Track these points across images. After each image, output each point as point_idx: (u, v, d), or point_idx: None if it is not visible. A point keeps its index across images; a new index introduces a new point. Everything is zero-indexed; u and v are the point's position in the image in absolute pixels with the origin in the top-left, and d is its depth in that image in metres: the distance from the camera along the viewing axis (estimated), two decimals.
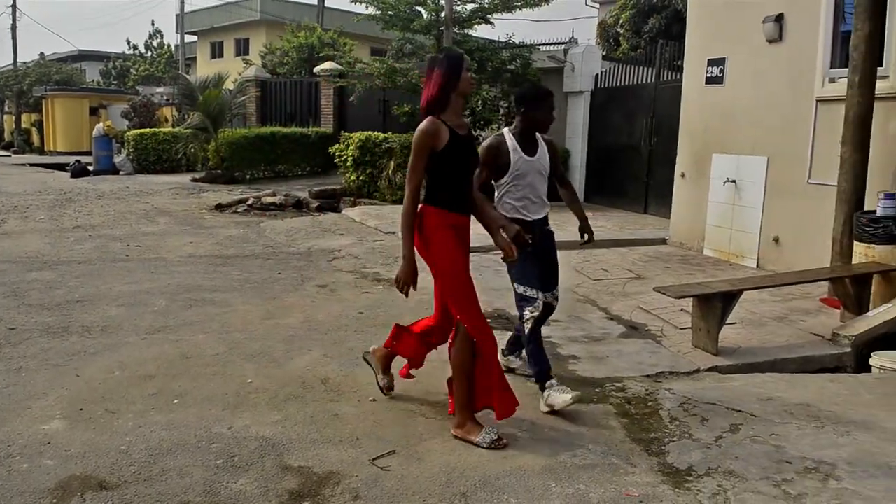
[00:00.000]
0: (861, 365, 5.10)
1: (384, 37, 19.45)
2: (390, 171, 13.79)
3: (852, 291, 5.79)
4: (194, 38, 38.78)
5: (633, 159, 12.86)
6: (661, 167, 11.81)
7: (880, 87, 6.32)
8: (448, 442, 3.64)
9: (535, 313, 4.11)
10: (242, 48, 35.41)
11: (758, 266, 8.08)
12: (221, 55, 36.79)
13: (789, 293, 6.69)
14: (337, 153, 14.64)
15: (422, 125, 3.67)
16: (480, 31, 15.52)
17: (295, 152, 17.72)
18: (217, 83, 17.53)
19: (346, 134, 14.70)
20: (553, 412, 3.97)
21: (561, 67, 14.52)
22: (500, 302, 6.37)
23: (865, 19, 6.09)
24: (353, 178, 14.19)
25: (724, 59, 8.70)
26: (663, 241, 9.74)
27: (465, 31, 14.85)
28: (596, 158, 14.16)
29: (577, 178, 14.50)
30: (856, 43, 6.16)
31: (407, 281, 3.70)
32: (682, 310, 5.93)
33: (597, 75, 14.16)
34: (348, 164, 14.18)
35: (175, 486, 3.17)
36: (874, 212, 6.03)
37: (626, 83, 13.28)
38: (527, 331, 4.13)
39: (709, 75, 8.94)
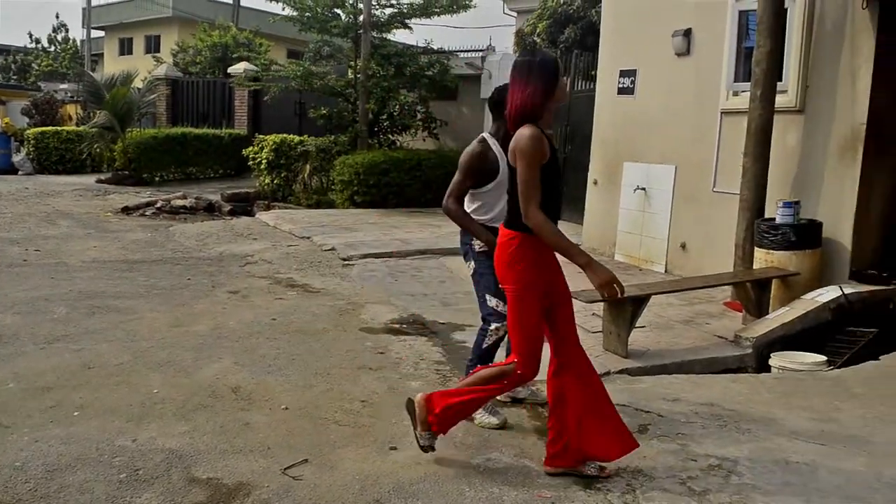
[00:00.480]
0: (761, 365, 5.32)
1: (302, 38, 19.25)
2: (306, 175, 13.64)
3: (753, 295, 6.04)
4: (102, 33, 37.40)
5: None
6: (575, 174, 12.05)
7: (780, 101, 6.63)
8: (362, 449, 3.61)
9: (501, 333, 3.96)
10: (153, 45, 34.34)
11: (666, 271, 8.34)
12: (131, 52, 35.58)
13: (695, 297, 6.92)
14: (251, 155, 14.37)
15: (530, 131, 3.25)
16: (399, 36, 15.51)
17: (207, 154, 17.31)
18: (125, 81, 16.96)
19: (261, 136, 14.47)
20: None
21: (478, 74, 14.68)
22: (415, 307, 6.36)
23: (767, 37, 6.38)
24: (267, 181, 13.96)
25: (635, 70, 8.95)
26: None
27: (384, 35, 14.84)
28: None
29: None
30: (758, 59, 6.44)
31: (612, 280, 3.29)
32: (593, 314, 6.05)
33: None
34: (262, 166, 13.95)
35: (75, 502, 3.03)
36: (774, 219, 6.33)
37: None
38: (485, 345, 3.99)
39: (620, 86, 9.19)
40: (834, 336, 5.62)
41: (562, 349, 3.46)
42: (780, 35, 6.50)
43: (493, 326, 3.97)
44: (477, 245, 4.01)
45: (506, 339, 4.02)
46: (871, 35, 6.16)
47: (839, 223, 6.37)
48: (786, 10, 6.55)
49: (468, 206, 4.05)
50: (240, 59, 19.05)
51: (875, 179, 6.31)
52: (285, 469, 3.37)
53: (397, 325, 5.88)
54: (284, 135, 14.08)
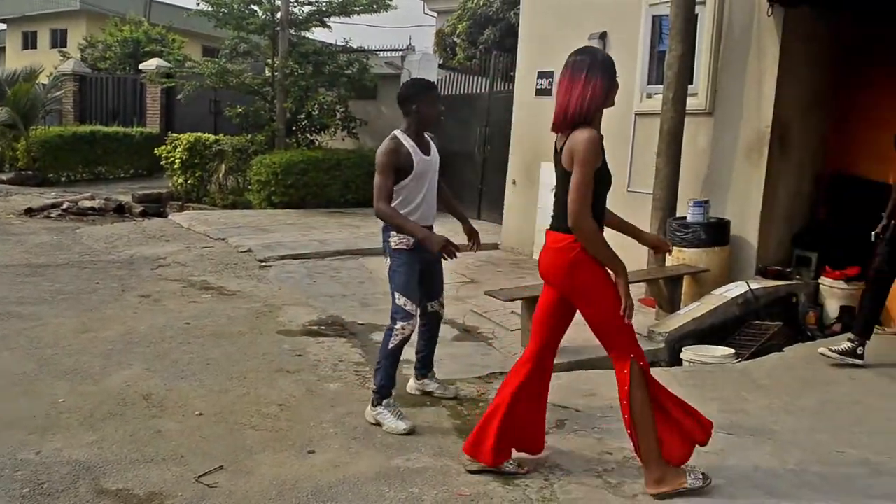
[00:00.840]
0: (674, 359, 5.48)
1: (217, 35, 18.78)
2: (221, 175, 13.34)
3: (666, 291, 6.22)
4: (3, 26, 35.61)
5: (468, 166, 13.16)
6: (495, 174, 12.16)
7: (691, 103, 6.84)
8: (279, 454, 3.54)
9: (407, 332, 3.93)
10: (59, 40, 32.86)
11: None
12: (35, 46, 33.97)
13: None
14: (164, 155, 13.94)
15: (589, 134, 3.20)
16: (318, 34, 15.29)
17: (117, 153, 16.69)
18: (29, 76, 16.23)
19: (174, 135, 14.07)
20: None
21: (398, 74, 14.63)
22: (334, 308, 6.29)
23: (679, 41, 6.57)
24: (180, 181, 13.57)
25: (552, 71, 9.08)
26: (496, 246, 10.02)
27: (302, 32, 14.63)
28: None
29: None
30: (670, 62, 6.62)
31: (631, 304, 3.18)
32: (512, 312, 6.11)
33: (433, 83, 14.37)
34: (176, 166, 13.55)
35: None
36: (685, 218, 6.53)
37: (462, 92, 13.59)
38: (391, 345, 3.92)
39: (538, 87, 9.31)
40: (741, 329, 5.84)
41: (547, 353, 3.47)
42: (691, 40, 6.71)
43: (398, 325, 3.91)
44: (393, 241, 3.97)
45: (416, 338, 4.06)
46: (776, 41, 6.42)
47: (746, 221, 6.62)
48: (696, 15, 6.77)
49: (392, 204, 3.99)
50: (152, 56, 18.46)
51: (779, 180, 6.59)
52: (199, 477, 3.28)
53: (315, 327, 5.80)
54: (199, 133, 13.71)
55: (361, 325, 5.92)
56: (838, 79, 6.91)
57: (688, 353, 5.34)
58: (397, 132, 4.03)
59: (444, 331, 5.78)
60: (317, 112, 13.94)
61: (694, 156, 6.97)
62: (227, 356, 4.95)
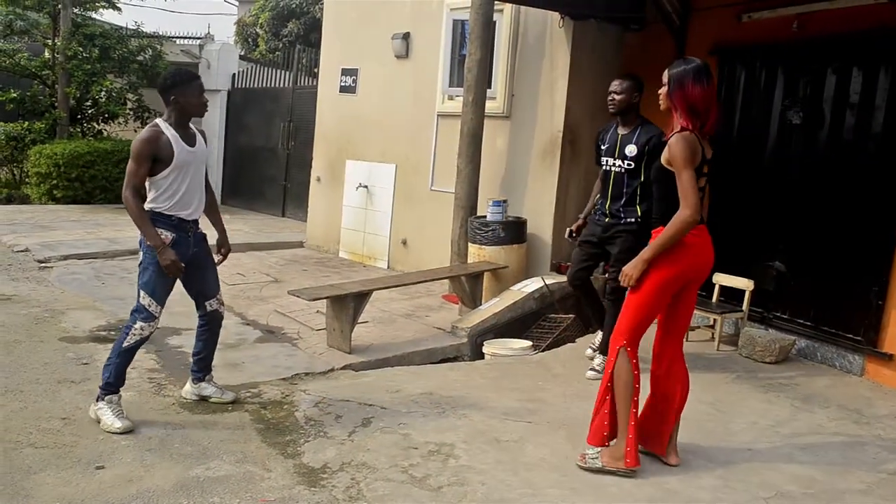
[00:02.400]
0: (477, 353, 5.68)
1: None
2: None
3: (468, 288, 6.43)
4: None
5: (272, 162, 12.86)
6: (299, 171, 11.97)
7: (490, 106, 7.12)
8: (63, 472, 3.24)
9: (146, 333, 3.80)
10: None
11: (389, 267, 8.59)
12: None
13: (416, 291, 7.21)
14: None
15: (685, 136, 3.37)
16: (107, 16, 14.22)
17: None
18: None
19: None
20: (122, 433, 3.67)
21: (196, 63, 13.98)
22: (125, 312, 5.85)
23: (478, 46, 6.81)
24: None
25: (357, 69, 9.09)
26: (301, 245, 9.88)
27: (88, 13, 13.55)
28: (233, 160, 13.88)
29: (214, 179, 14.05)
30: (470, 66, 6.85)
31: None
32: (318, 311, 6.04)
33: (234, 74, 13.89)
34: None
35: None
36: (485, 217, 6.78)
37: (265, 85, 13.23)
38: (126, 344, 3.77)
39: (342, 84, 9.28)
40: (538, 323, 6.16)
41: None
42: (490, 45, 6.98)
43: (137, 325, 3.79)
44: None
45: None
46: (567, 52, 6.84)
47: (541, 220, 7.00)
48: (495, 22, 7.05)
49: (151, 196, 3.82)
50: None
51: (570, 181, 7.02)
52: None
53: (104, 333, 5.40)
54: None
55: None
56: None
57: (489, 347, 5.55)
58: (158, 120, 3.86)
59: (247, 332, 5.63)
60: (104, 99, 12.96)
61: (493, 157, 7.27)
62: (0, 368, 4.47)
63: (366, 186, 8.90)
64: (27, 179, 12.28)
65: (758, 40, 6.13)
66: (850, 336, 5.49)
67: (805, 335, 5.79)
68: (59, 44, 12.48)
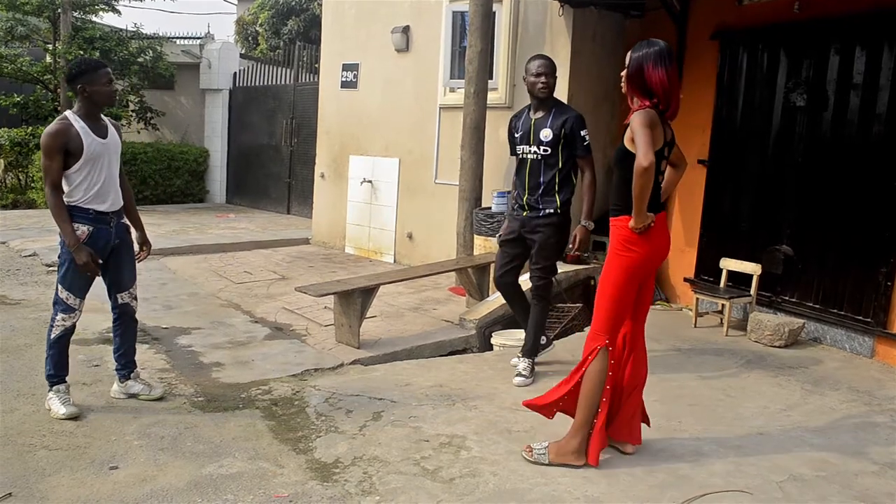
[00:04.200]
0: (485, 344, 5.68)
1: None
2: (0, 171, 12.10)
3: (475, 280, 6.42)
4: None
5: (275, 160, 12.87)
6: (303, 168, 12.00)
7: (492, 97, 7.10)
8: (78, 473, 3.26)
9: (68, 324, 3.87)
10: None
11: (395, 261, 8.59)
12: None
13: (423, 285, 7.21)
14: None
15: (645, 109, 3.28)
16: (107, 19, 14.25)
17: None
18: None
19: None
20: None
21: (197, 63, 13.99)
22: None
23: (478, 37, 6.79)
24: None
25: (357, 64, 9.08)
26: (307, 241, 9.89)
27: (88, 16, 13.55)
28: (237, 159, 13.91)
29: (218, 178, 14.12)
30: (471, 58, 6.83)
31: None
32: (325, 307, 6.05)
33: (235, 73, 13.90)
34: None
35: None
36: (490, 208, 6.77)
37: (266, 83, 13.24)
38: (52, 336, 3.87)
39: (344, 79, 9.27)
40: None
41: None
42: (490, 36, 6.96)
43: (58, 317, 3.87)
44: None
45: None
46: (568, 40, 6.82)
47: None
48: (494, 13, 7.03)
49: (66, 190, 3.79)
50: None
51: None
52: None
53: None
54: None
55: (165, 328, 5.60)
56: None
57: (497, 339, 5.55)
58: (68, 112, 3.84)
59: (256, 330, 5.64)
60: None
61: (497, 148, 7.26)
62: (11, 372, 4.48)
63: (370, 181, 8.90)
64: (32, 184, 12.31)
65: (759, 23, 6.11)
66: (860, 318, 5.48)
67: (814, 318, 5.78)
68: (59, 48, 12.49)
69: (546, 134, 4.59)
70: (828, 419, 4.20)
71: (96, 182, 3.81)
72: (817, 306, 5.78)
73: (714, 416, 4.15)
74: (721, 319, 6.03)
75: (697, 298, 6.13)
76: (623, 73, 3.44)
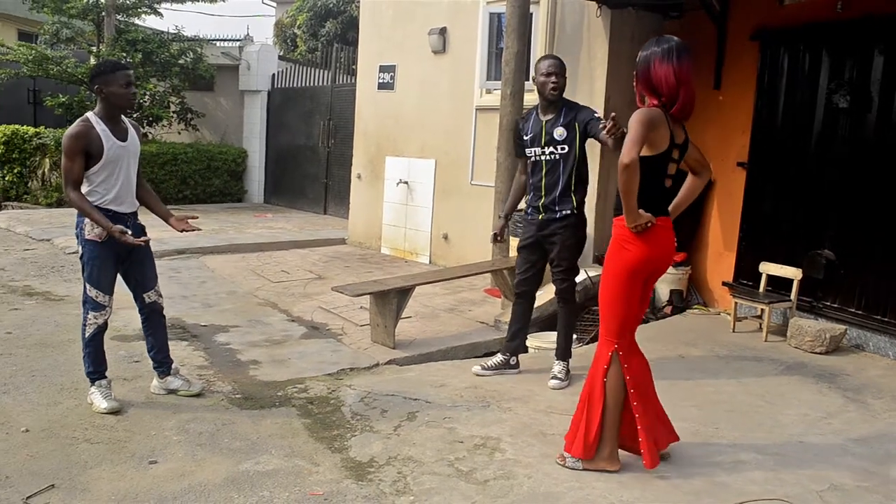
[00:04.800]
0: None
1: (35, 19, 17.34)
2: (46, 170, 12.38)
3: (510, 281, 6.39)
4: None
5: (312, 160, 12.99)
6: (340, 168, 12.08)
7: (528, 99, 7.06)
8: (118, 466, 3.33)
9: (100, 321, 3.94)
10: None
11: (430, 262, 8.62)
12: None
13: (458, 286, 7.22)
14: None
15: (648, 108, 3.24)
16: (149, 22, 14.51)
17: None
18: None
19: None
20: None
21: (236, 65, 14.18)
22: (174, 310, 5.99)
23: (515, 38, 6.78)
24: None
25: (394, 66, 9.12)
26: (343, 241, 9.96)
27: (131, 19, 13.82)
28: (275, 159, 14.06)
29: (256, 178, 14.29)
30: (507, 59, 6.82)
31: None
32: (361, 307, 6.09)
33: (274, 75, 14.06)
34: None
35: None
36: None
37: (304, 84, 13.36)
38: (86, 335, 3.94)
39: (381, 81, 9.32)
40: (581, 315, 6.13)
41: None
42: (527, 37, 6.95)
43: (89, 315, 3.94)
44: (86, 230, 3.87)
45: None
46: (605, 42, 6.78)
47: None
48: (531, 14, 7.01)
49: (84, 190, 3.84)
50: None
51: (611, 172, 6.95)
52: (27, 498, 3.02)
53: None
54: (16, 126, 12.62)
55: (204, 326, 5.69)
56: None
57: (533, 341, 5.53)
58: (90, 114, 3.88)
59: (292, 329, 5.70)
60: (148, 103, 13.21)
61: None
62: (55, 366, 4.60)
63: (406, 182, 8.93)
64: None
65: (800, 23, 6.01)
66: None
67: (856, 324, 5.66)
68: (103, 50, 12.75)
69: (560, 133, 4.51)
70: (870, 428, 4.11)
71: (115, 184, 3.87)
72: (860, 312, 5.66)
73: (752, 423, 4.09)
74: (760, 325, 5.94)
75: (736, 303, 6.05)
76: (635, 73, 3.37)
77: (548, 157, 4.56)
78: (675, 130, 3.30)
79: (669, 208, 3.48)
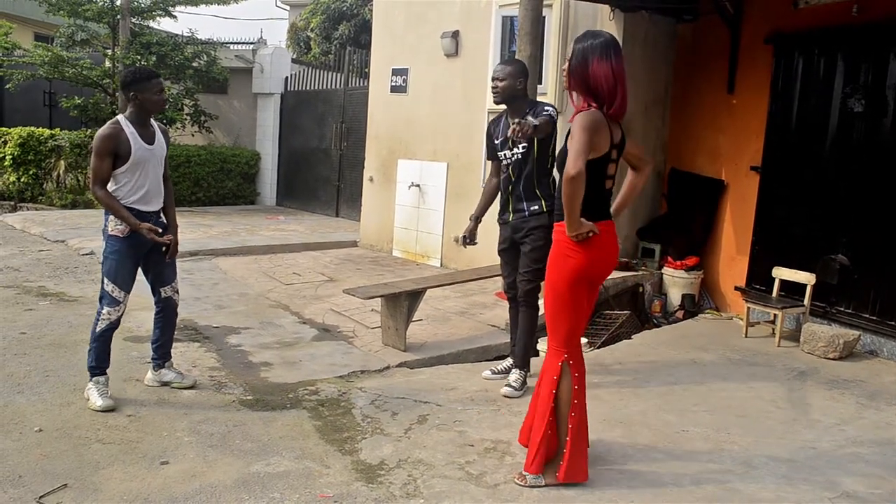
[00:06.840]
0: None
1: (51, 22, 17.49)
2: (61, 172, 12.48)
3: None
4: None
5: (325, 163, 13.02)
6: (352, 171, 12.11)
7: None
8: (130, 467, 3.35)
9: (113, 317, 4.03)
10: None
11: (442, 265, 8.62)
12: None
13: (469, 289, 7.22)
14: None
15: (590, 111, 3.13)
16: (164, 25, 14.64)
17: None
18: None
19: (4, 129, 12.98)
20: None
21: (250, 68, 14.24)
22: (186, 312, 6.02)
23: (528, 42, 6.76)
24: (12, 179, 12.58)
25: (407, 69, 9.14)
26: (355, 244, 9.98)
27: (146, 22, 13.90)
28: (287, 161, 14.11)
29: (269, 181, 14.33)
30: None
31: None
32: (372, 310, 6.10)
33: (287, 77, 14.11)
34: (7, 163, 12.54)
35: None
36: None
37: (317, 87, 13.40)
38: (98, 329, 4.03)
39: (393, 84, 9.34)
40: (593, 319, 6.11)
41: None
42: (540, 41, 6.93)
43: (104, 310, 4.02)
44: (109, 226, 4.00)
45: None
46: (618, 44, 6.74)
47: None
48: (544, 17, 7.00)
49: (111, 188, 3.98)
50: None
51: (624, 175, 6.93)
52: (40, 497, 3.04)
53: None
54: (32, 128, 12.73)
55: (216, 328, 5.71)
56: (677, 78, 7.36)
57: (542, 344, 5.52)
58: (120, 117, 4.05)
59: (303, 331, 5.71)
60: None
61: None
62: (68, 367, 4.63)
63: (418, 185, 8.94)
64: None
65: (815, 27, 5.98)
66: None
67: (870, 330, 5.62)
68: (118, 53, 12.84)
69: None
70: (884, 434, 4.08)
71: (141, 185, 4.01)
72: (874, 318, 5.62)
73: (764, 429, 4.07)
74: (773, 330, 5.91)
75: (749, 308, 6.02)
76: (565, 67, 3.27)
77: (511, 159, 4.58)
78: (613, 130, 3.24)
79: (612, 209, 3.43)
